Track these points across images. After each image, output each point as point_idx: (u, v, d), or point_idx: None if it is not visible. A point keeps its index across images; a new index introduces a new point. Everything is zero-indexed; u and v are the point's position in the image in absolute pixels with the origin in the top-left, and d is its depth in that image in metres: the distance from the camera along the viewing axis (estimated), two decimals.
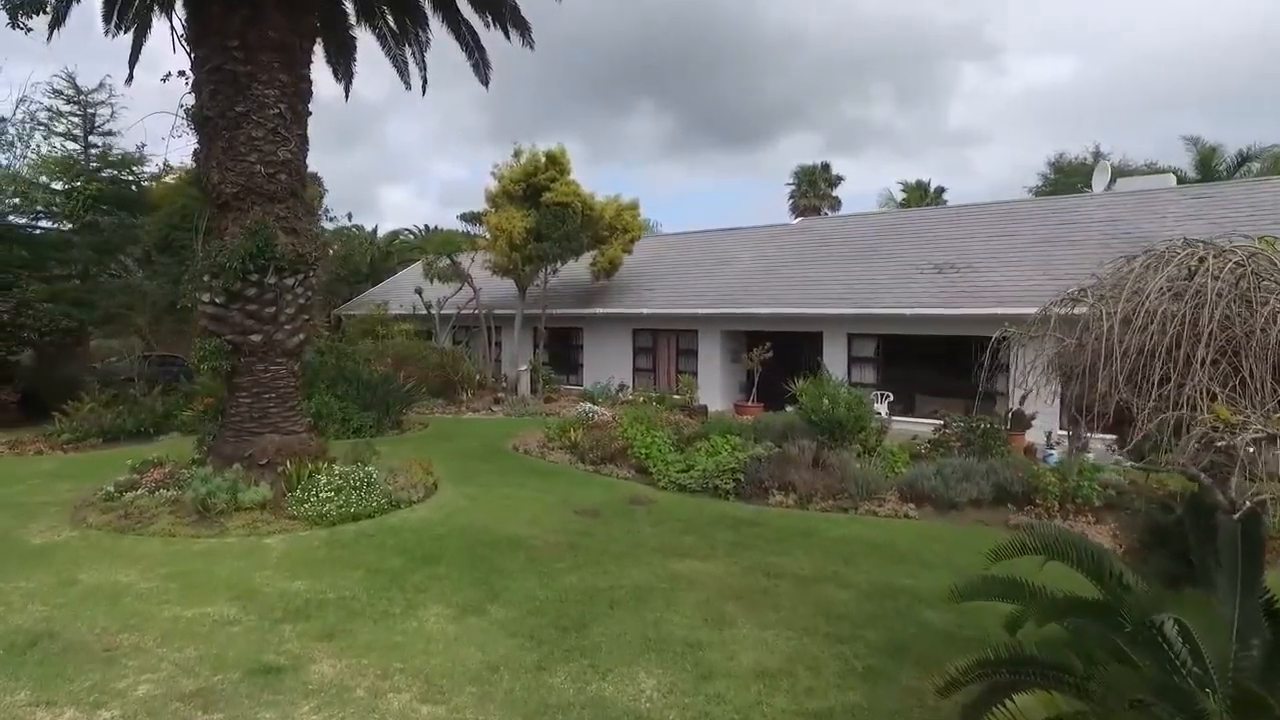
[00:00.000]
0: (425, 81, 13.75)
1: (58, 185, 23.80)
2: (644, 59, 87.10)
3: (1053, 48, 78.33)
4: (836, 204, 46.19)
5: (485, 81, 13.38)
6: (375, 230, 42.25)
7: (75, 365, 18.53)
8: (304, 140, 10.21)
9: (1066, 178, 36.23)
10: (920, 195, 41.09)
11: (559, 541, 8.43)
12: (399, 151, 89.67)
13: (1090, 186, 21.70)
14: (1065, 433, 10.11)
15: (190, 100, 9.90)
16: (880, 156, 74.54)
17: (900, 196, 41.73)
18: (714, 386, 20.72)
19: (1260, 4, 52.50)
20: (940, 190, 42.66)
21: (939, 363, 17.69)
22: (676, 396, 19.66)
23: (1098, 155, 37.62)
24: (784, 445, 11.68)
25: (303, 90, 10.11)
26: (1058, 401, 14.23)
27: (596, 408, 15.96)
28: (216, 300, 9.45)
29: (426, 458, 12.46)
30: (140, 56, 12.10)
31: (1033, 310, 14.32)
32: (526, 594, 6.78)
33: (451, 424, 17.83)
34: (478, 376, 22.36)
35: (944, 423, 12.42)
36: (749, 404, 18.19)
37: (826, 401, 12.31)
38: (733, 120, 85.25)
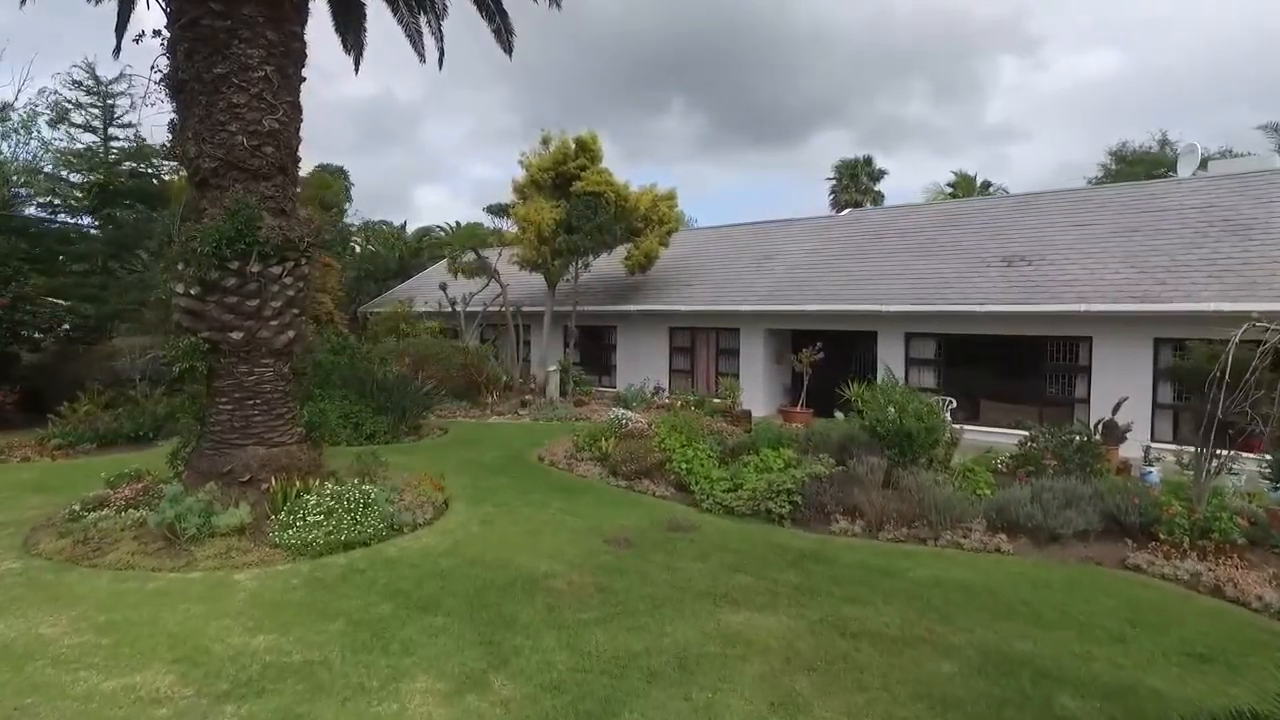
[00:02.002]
0: (442, 54, 12.42)
1: (76, 178, 23.10)
2: (675, 57, 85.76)
3: (1095, 41, 75.08)
4: (879, 199, 44.19)
5: (509, 49, 12.01)
6: (404, 226, 41.30)
7: (82, 363, 17.52)
8: (296, 109, 8.90)
9: (1130, 167, 33.97)
10: (969, 188, 38.98)
11: (585, 582, 6.99)
12: (433, 152, 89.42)
13: (1174, 172, 19.72)
14: (1192, 449, 8.48)
15: (166, 63, 8.60)
16: (916, 155, 72.33)
17: (947, 191, 39.65)
18: (757, 390, 19.16)
19: None
20: (986, 185, 40.51)
21: (1007, 365, 15.96)
22: (717, 400, 18.14)
23: (1164, 142, 35.37)
24: (847, 462, 10.15)
25: (294, 51, 8.80)
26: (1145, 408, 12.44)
27: (630, 413, 14.52)
28: (191, 291, 8.18)
29: (440, 470, 11.17)
30: (129, 24, 10.91)
31: (1122, 307, 12.59)
32: (542, 659, 5.35)
33: (473, 429, 16.52)
34: (504, 377, 21.06)
35: (1030, 435, 10.71)
36: (797, 410, 16.60)
37: (893, 410, 10.71)
38: (766, 118, 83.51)
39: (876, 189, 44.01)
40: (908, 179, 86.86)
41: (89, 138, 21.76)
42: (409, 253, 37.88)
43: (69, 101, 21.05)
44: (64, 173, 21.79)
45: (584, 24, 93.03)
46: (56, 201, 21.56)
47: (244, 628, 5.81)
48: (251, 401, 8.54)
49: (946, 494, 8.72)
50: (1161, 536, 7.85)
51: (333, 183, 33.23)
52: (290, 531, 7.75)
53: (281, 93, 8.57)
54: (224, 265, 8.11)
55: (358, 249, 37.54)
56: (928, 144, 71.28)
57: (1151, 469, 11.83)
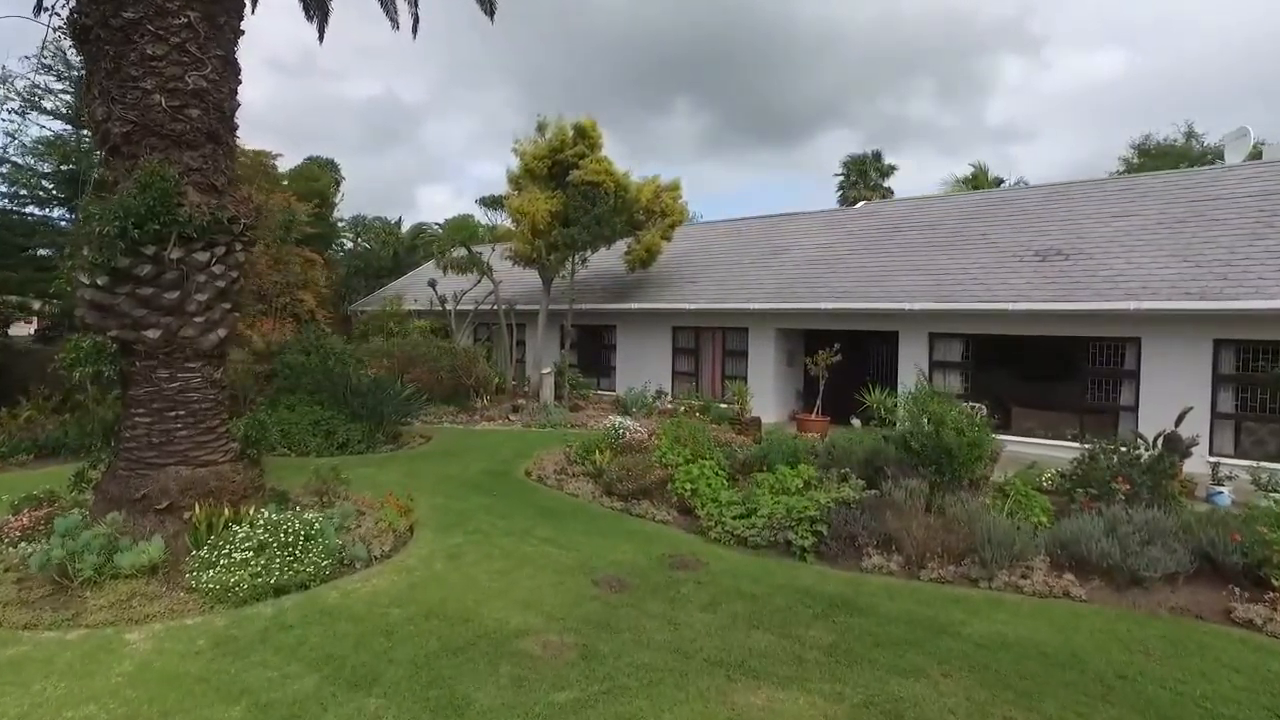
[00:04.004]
0: (417, 20, 11.08)
1: (47, 167, 21.83)
2: (681, 57, 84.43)
3: (1100, 41, 73.35)
4: (888, 196, 42.77)
5: (490, 11, 10.61)
6: (399, 222, 39.89)
7: (37, 363, 16.16)
8: (230, 67, 7.51)
9: (1154, 160, 32.47)
10: (985, 181, 37.52)
11: (565, 643, 5.60)
12: (437, 152, 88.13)
13: (1221, 159, 18.29)
14: (1272, 466, 7.11)
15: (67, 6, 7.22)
16: (921, 154, 70.71)
17: (964, 183, 38.17)
18: (766, 394, 17.73)
19: None
20: (999, 181, 39.04)
21: (1042, 369, 14.52)
22: (723, 405, 16.72)
23: (1190, 134, 33.85)
24: (878, 482, 8.75)
25: None
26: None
27: (628, 422, 13.13)
28: (97, 282, 6.80)
29: (413, 487, 9.84)
30: None
31: (1178, 305, 11.12)
32: None
33: (460, 437, 15.12)
34: (496, 379, 19.66)
35: (1090, 451, 9.25)
36: (812, 417, 15.18)
37: (928, 422, 9.32)
38: (771, 118, 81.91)
39: (886, 185, 42.58)
40: (913, 179, 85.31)
41: (59, 126, 20.53)
42: (404, 249, 36.51)
43: (39, 88, 19.74)
44: (33, 162, 20.53)
45: (588, 23, 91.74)
46: (23, 193, 20.30)
47: (110, 719, 4.43)
48: (174, 413, 7.16)
49: (1004, 525, 7.30)
50: (1276, 583, 6.43)
51: (322, 175, 31.88)
52: (211, 572, 6.37)
53: (210, 45, 7.19)
54: (136, 250, 6.73)
55: (349, 245, 36.20)
56: (933, 144, 69.80)
57: (1222, 489, 10.43)
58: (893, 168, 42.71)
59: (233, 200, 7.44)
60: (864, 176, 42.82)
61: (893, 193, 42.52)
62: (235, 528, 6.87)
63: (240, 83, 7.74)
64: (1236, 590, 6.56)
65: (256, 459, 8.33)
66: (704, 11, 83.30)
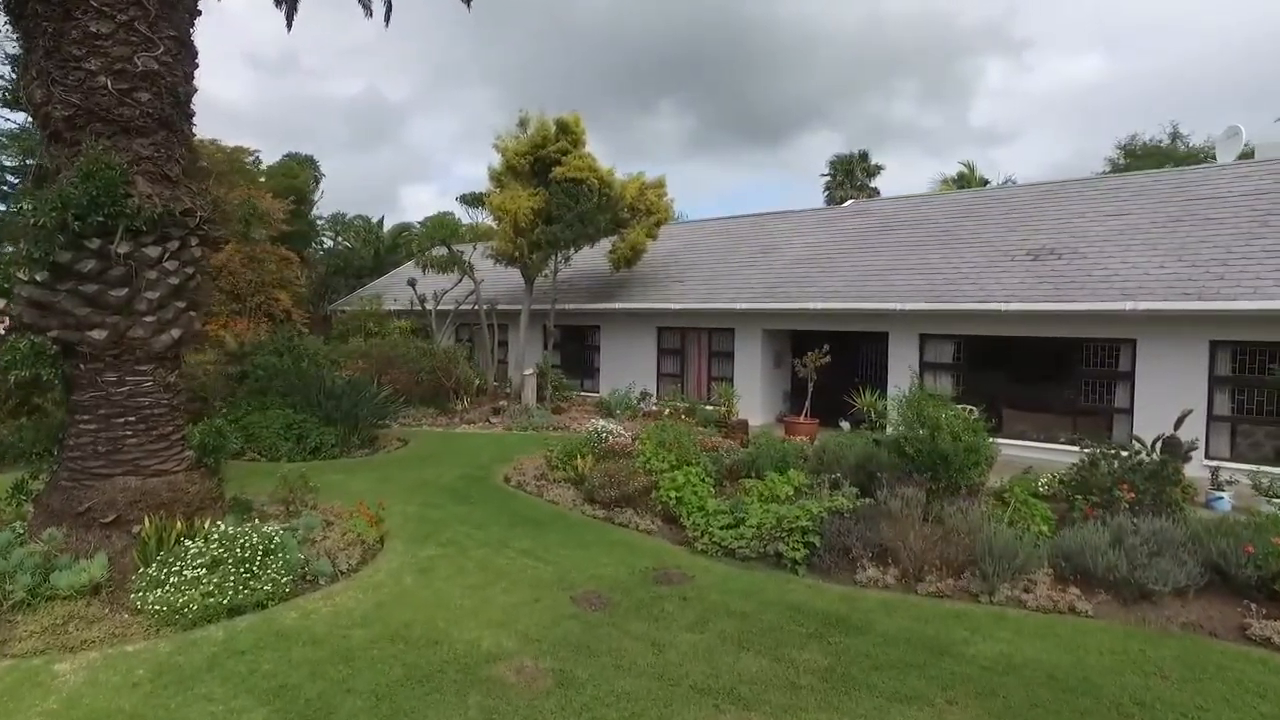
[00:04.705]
0: (390, 7, 10.64)
1: (9, 160, 21.24)
2: (665, 58, 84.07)
3: (1082, 45, 73.63)
4: (875, 196, 42.54)
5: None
6: (381, 221, 39.23)
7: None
8: (185, 48, 7.03)
9: (1141, 161, 32.40)
10: (972, 180, 37.34)
11: (540, 669, 5.18)
12: (422, 151, 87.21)
13: (1209, 159, 18.09)
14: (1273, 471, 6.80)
15: None
16: (905, 155, 70.71)
17: (953, 182, 37.98)
18: (754, 396, 17.36)
19: None
20: (985, 183, 38.91)
21: (1034, 370, 14.23)
22: (709, 408, 16.33)
23: (1175, 135, 33.84)
24: (872, 490, 8.38)
25: None
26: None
27: (611, 425, 12.70)
28: (36, 278, 6.30)
29: (386, 494, 9.40)
30: None
31: (1175, 305, 10.83)
32: None
33: (438, 440, 14.64)
34: (477, 381, 19.17)
35: (1090, 456, 8.89)
36: (801, 419, 14.81)
37: (923, 426, 8.96)
38: (756, 119, 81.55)
39: (872, 185, 42.37)
40: (898, 180, 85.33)
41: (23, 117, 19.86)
42: (385, 249, 35.88)
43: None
44: None
45: (574, 23, 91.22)
46: None
47: None
48: (123, 419, 6.67)
49: (1006, 536, 6.93)
50: None
51: (300, 172, 31.24)
52: (159, 591, 5.90)
53: (162, 24, 6.70)
54: (79, 244, 6.25)
55: (329, 243, 35.55)
56: (916, 145, 69.76)
57: (1222, 495, 10.15)
58: (879, 168, 42.55)
59: (188, 191, 6.96)
60: (850, 176, 42.62)
61: (879, 193, 42.28)
62: (188, 542, 6.38)
63: (197, 66, 7.26)
64: (1252, 606, 6.22)
65: (215, 467, 7.84)
66: (690, 12, 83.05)
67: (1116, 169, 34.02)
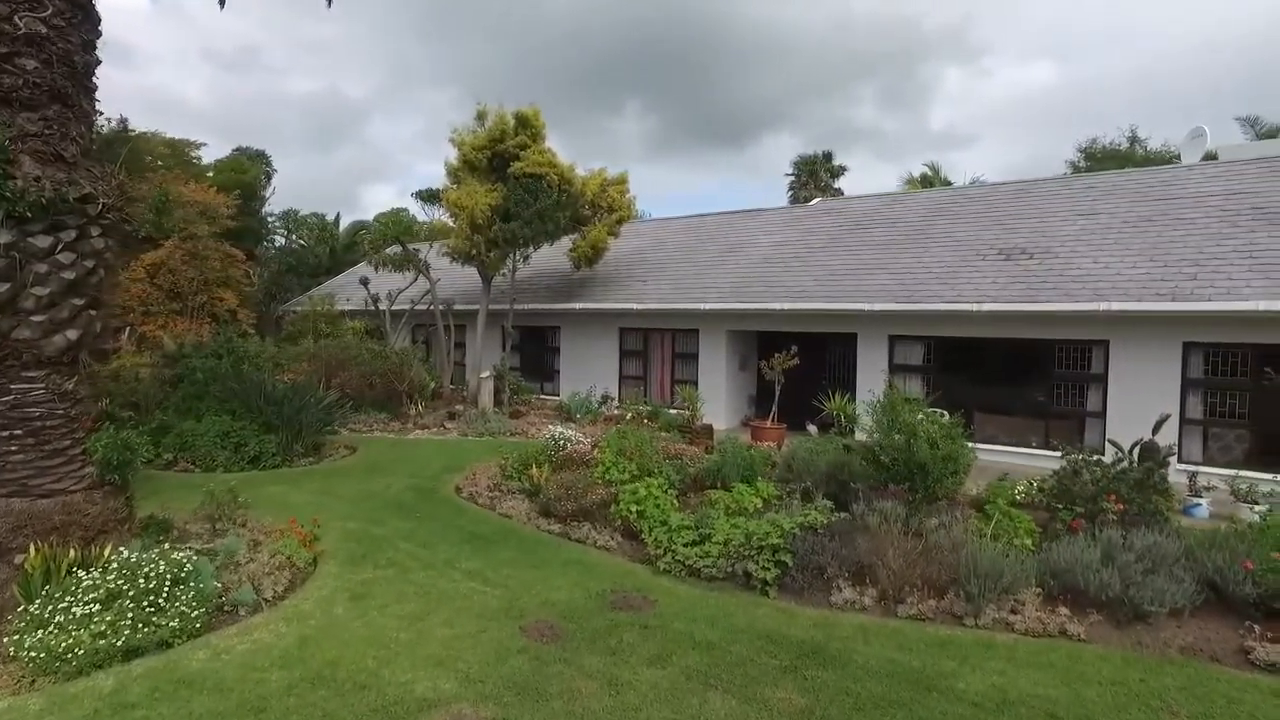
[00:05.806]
0: None
1: None
2: (627, 59, 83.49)
3: (1038, 52, 74.65)
4: (839, 196, 42.45)
5: None
6: (337, 219, 38.02)
7: None
8: (83, 11, 6.24)
9: (1101, 163, 32.62)
10: (937, 181, 37.37)
11: (482, 716, 4.53)
12: (383, 150, 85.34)
13: (1178, 159, 18.01)
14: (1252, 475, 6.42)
15: None
16: (865, 158, 71.10)
17: (918, 181, 37.96)
18: (718, 399, 16.83)
19: (1261, 4, 48.89)
20: (949, 185, 39.02)
21: (1006, 373, 13.89)
22: (673, 412, 15.76)
23: (1134, 139, 34.15)
24: (846, 502, 7.86)
25: None
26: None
27: (569, 432, 12.06)
28: None
29: (326, 509, 8.70)
30: None
31: (1148, 306, 10.49)
32: None
33: (388, 448, 13.84)
34: (432, 384, 18.36)
35: (1072, 464, 8.46)
36: (767, 424, 14.29)
37: (898, 435, 8.46)
38: (718, 120, 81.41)
39: (836, 186, 42.24)
40: (859, 182, 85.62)
41: None
42: (341, 247, 34.74)
43: None
44: None
45: (535, 23, 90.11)
46: None
47: None
48: (6, 433, 5.87)
49: (991, 553, 6.45)
50: None
51: (250, 167, 30.05)
52: (40, 634, 5.12)
53: None
54: None
55: (280, 241, 34.32)
56: (875, 148, 70.07)
57: (1199, 501, 9.84)
58: (843, 168, 42.38)
59: (89, 176, 6.17)
60: (814, 177, 42.40)
61: (843, 193, 42.17)
62: (81, 573, 5.62)
63: (100, 34, 6.47)
64: (1255, 628, 5.80)
65: (123, 484, 7.03)
66: (651, 13, 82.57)
67: (1078, 171, 34.27)
